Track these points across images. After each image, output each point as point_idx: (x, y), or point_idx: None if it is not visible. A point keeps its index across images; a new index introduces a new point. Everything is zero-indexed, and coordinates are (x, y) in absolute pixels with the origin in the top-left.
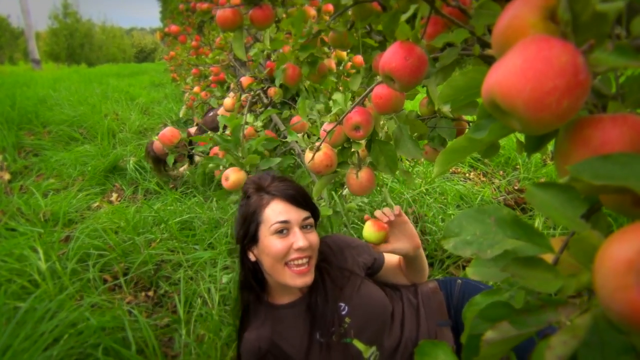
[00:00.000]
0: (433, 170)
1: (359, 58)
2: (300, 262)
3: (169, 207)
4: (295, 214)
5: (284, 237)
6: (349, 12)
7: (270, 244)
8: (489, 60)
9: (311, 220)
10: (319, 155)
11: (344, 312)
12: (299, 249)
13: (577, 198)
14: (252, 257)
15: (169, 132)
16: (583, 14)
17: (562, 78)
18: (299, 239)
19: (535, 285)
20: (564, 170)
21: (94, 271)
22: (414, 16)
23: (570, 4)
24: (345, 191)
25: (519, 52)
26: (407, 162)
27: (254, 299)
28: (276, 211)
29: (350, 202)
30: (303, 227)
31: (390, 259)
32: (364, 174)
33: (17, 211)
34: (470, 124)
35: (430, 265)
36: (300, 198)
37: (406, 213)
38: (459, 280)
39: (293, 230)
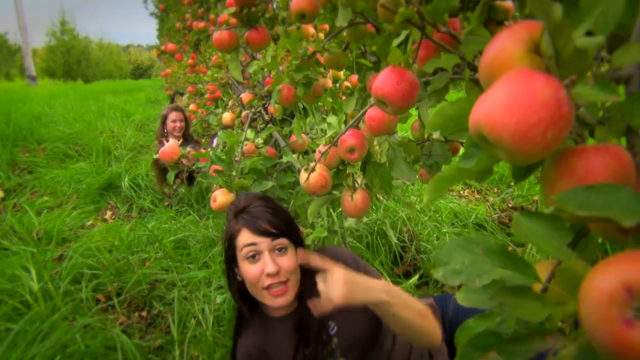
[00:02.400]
0: (424, 197)
1: (355, 77)
2: (275, 287)
3: (163, 225)
4: (263, 240)
5: (255, 263)
6: (344, 34)
7: (245, 269)
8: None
9: (282, 242)
10: (314, 176)
11: (332, 332)
12: (269, 275)
13: (563, 227)
14: (238, 278)
15: (169, 149)
16: (565, 49)
17: (546, 111)
18: (268, 265)
19: (523, 314)
20: (550, 200)
21: (87, 291)
22: (405, 40)
23: (553, 39)
24: None
25: (505, 86)
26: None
27: (247, 309)
28: (245, 237)
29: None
30: (274, 250)
31: None
32: (359, 195)
33: (10, 230)
34: (464, 145)
35: (425, 284)
36: (267, 225)
37: (400, 232)
38: (454, 296)
39: (263, 254)
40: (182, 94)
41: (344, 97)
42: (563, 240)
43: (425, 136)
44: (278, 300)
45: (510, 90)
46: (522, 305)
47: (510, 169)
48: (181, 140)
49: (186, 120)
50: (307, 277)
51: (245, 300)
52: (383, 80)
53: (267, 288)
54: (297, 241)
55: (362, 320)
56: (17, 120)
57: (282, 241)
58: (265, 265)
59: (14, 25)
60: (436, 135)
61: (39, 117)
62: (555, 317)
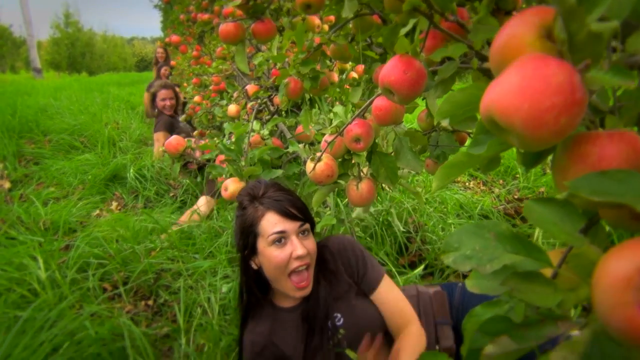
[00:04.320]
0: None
1: (361, 68)
2: (300, 268)
3: (169, 218)
4: (290, 224)
5: (283, 247)
6: (350, 25)
7: (270, 254)
8: (488, 73)
9: (307, 226)
10: (320, 165)
11: (339, 323)
12: (298, 257)
13: (575, 213)
14: (254, 266)
15: (175, 141)
16: (578, 34)
17: (559, 96)
18: (297, 247)
19: (535, 299)
20: (562, 186)
21: (93, 280)
22: (413, 30)
23: (566, 23)
24: None
25: (517, 71)
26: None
27: (255, 300)
28: (271, 222)
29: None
30: (300, 233)
31: (388, 306)
32: (364, 185)
33: (17, 220)
34: (471, 134)
35: (430, 274)
36: (293, 209)
37: (406, 223)
38: (460, 284)
39: (290, 238)
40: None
41: (349, 88)
42: (575, 225)
43: (435, 123)
44: (298, 293)
45: (523, 75)
46: (534, 290)
47: (520, 156)
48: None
49: (176, 97)
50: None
51: (258, 290)
52: (390, 69)
53: (292, 273)
54: (313, 225)
55: (368, 312)
56: (23, 112)
57: (307, 226)
58: (295, 247)
59: (18, 18)
60: (445, 123)
61: (45, 109)
62: (567, 302)
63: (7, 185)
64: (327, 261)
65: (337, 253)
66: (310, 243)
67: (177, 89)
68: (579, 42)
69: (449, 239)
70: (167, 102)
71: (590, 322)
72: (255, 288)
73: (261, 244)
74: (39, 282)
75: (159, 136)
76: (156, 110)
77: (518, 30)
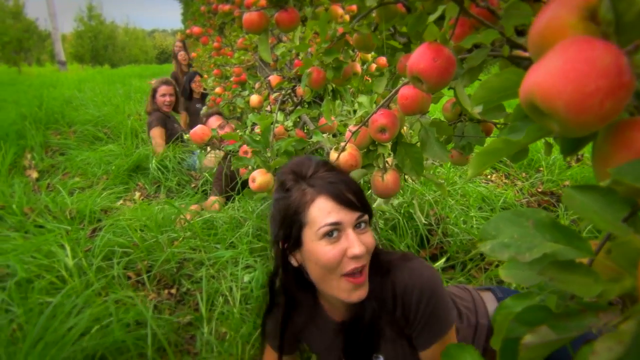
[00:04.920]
0: (467, 171)
1: (383, 59)
2: (355, 272)
3: (190, 207)
4: (347, 213)
5: (335, 242)
6: (373, 14)
7: (318, 250)
8: (518, 62)
9: (366, 217)
10: (344, 155)
11: None
12: (354, 257)
13: (618, 201)
14: (294, 262)
15: (200, 130)
16: (627, 14)
17: (605, 79)
18: (355, 245)
19: (575, 289)
20: (604, 173)
21: (118, 268)
22: (440, 17)
23: (614, 3)
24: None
25: (560, 53)
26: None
27: (294, 302)
28: (324, 211)
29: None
30: (357, 226)
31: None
32: (389, 176)
33: (45, 209)
34: (497, 125)
35: (452, 267)
36: (352, 195)
37: (427, 215)
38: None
39: (346, 232)
40: (199, 74)
41: (369, 79)
42: (618, 214)
43: (470, 110)
44: (354, 295)
45: (566, 58)
46: (574, 280)
47: (560, 142)
48: (169, 115)
49: (176, 95)
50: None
51: (299, 289)
52: (419, 57)
53: (347, 275)
54: (371, 215)
55: (409, 358)
56: (49, 104)
57: (366, 219)
58: (351, 244)
59: (44, 11)
60: (478, 109)
61: (70, 100)
62: (609, 293)
63: (34, 175)
64: (397, 283)
65: (402, 291)
66: (369, 238)
67: (198, 78)
68: (626, 22)
69: (486, 226)
70: (167, 98)
71: (635, 313)
72: (295, 289)
73: (308, 236)
74: (67, 269)
75: (155, 133)
76: (155, 105)
77: (559, 12)
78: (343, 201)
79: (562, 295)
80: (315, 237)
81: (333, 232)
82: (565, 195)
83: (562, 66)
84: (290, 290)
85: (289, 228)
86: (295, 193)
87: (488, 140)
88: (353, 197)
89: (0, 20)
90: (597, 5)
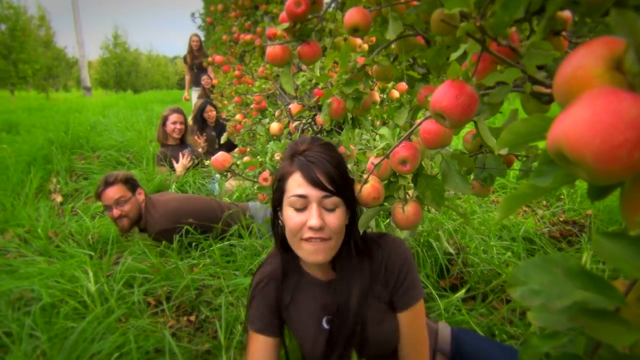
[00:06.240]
0: (486, 200)
1: (402, 85)
2: (313, 240)
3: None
4: (314, 191)
5: (300, 212)
6: (393, 46)
7: (287, 215)
8: (538, 97)
9: (334, 201)
10: (367, 187)
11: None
12: (311, 228)
13: None
14: (280, 222)
15: (221, 157)
16: None
17: (633, 131)
18: (313, 217)
19: (607, 338)
20: (634, 222)
21: (138, 294)
22: (463, 54)
23: (639, 55)
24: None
25: (587, 104)
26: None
27: (286, 258)
28: (296, 183)
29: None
30: (325, 206)
31: (409, 331)
32: (410, 208)
33: (68, 233)
34: (519, 157)
35: (472, 298)
36: (322, 177)
37: (447, 243)
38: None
39: (310, 205)
40: (211, 104)
41: (386, 107)
42: None
43: (496, 153)
44: (314, 257)
45: (594, 109)
46: (606, 329)
47: (587, 186)
48: (178, 143)
49: (185, 124)
50: (348, 243)
51: (285, 248)
52: (442, 94)
53: (307, 240)
54: (350, 201)
55: (391, 326)
56: (75, 129)
57: (334, 200)
58: (310, 216)
59: (72, 39)
60: (504, 151)
61: (94, 126)
62: None
63: (59, 199)
64: (374, 259)
65: (387, 255)
66: (334, 219)
67: (210, 108)
68: None
69: (516, 271)
70: (177, 126)
71: None
72: (280, 245)
73: (284, 202)
74: (89, 294)
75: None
76: (165, 133)
77: (585, 61)
78: (311, 180)
79: (591, 339)
80: (287, 203)
81: (299, 202)
82: (594, 243)
83: (590, 117)
84: (276, 245)
85: (276, 191)
86: (285, 163)
87: (509, 172)
88: (323, 178)
89: (33, 49)
90: (623, 56)
